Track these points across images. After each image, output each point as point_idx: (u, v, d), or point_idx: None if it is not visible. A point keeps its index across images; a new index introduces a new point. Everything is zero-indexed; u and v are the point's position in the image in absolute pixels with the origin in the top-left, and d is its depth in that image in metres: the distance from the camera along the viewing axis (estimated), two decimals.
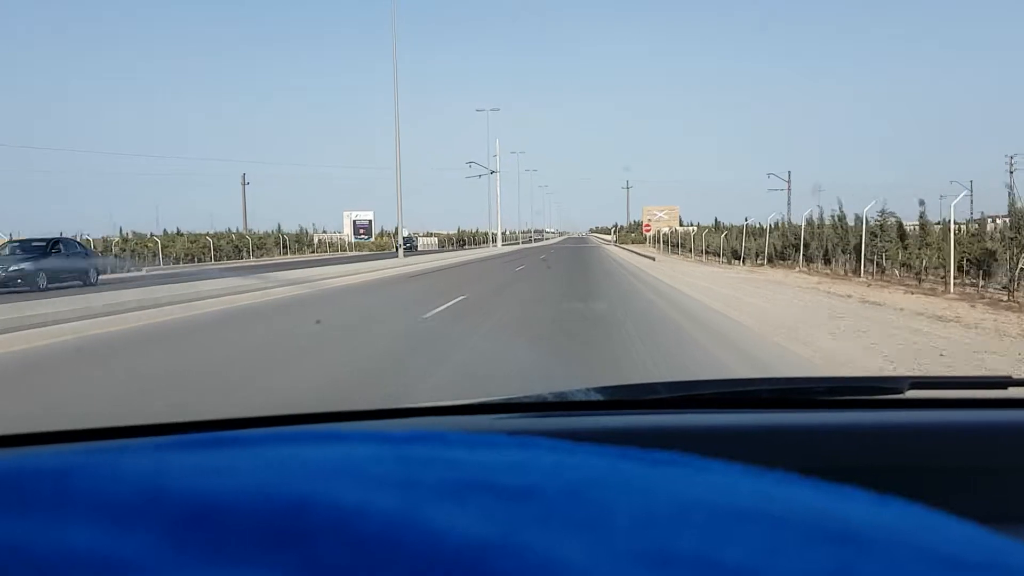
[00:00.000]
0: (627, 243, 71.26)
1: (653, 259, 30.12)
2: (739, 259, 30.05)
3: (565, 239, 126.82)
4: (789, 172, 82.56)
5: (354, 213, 75.25)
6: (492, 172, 57.69)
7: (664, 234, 55.40)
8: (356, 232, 74.74)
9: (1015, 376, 1.37)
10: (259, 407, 4.53)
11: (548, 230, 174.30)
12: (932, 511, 0.35)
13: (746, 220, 32.43)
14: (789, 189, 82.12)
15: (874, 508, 0.34)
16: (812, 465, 0.87)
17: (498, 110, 57.41)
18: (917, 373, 5.73)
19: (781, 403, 1.31)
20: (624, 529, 0.29)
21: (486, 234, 64.87)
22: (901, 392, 1.28)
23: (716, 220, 63.94)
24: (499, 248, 56.27)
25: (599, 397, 1.35)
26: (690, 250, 43.15)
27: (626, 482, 0.35)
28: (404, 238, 57.16)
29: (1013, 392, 1.35)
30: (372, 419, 1.28)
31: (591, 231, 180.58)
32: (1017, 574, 0.30)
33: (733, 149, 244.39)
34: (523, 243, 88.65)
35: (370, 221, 75.11)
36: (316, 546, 0.27)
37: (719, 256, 35.24)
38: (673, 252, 46.32)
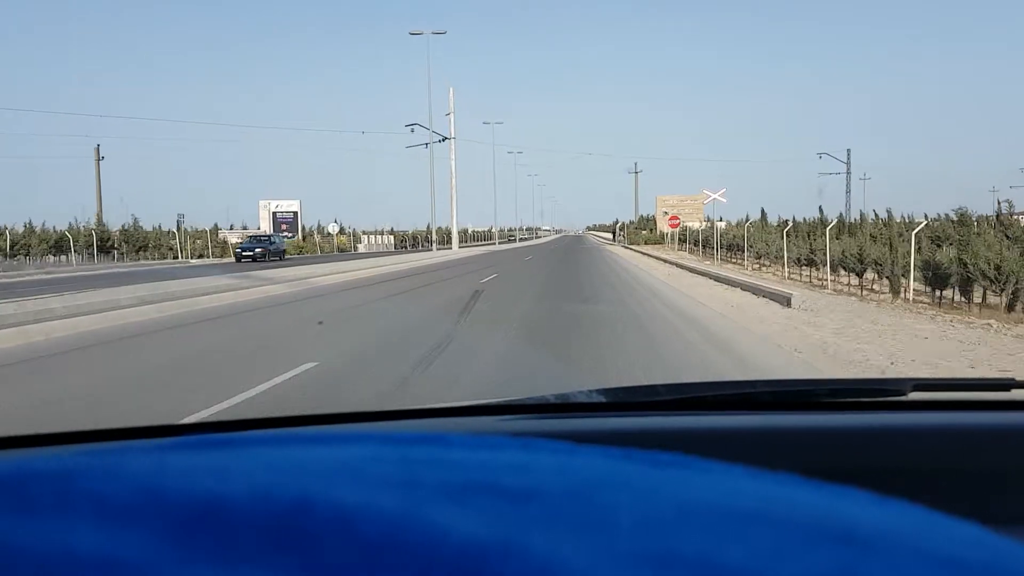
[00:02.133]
0: (637, 243, 52.77)
1: (787, 302, 10.63)
2: (942, 288, 11.84)
3: (561, 237, 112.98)
4: (848, 151, 63.67)
5: (273, 202, 56.71)
6: (444, 139, 39.05)
7: (693, 232, 37.22)
8: (277, 227, 56.16)
9: (1018, 378, 1.37)
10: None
11: (543, 228, 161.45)
12: (934, 513, 0.34)
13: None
14: (848, 172, 62.49)
15: (876, 510, 0.34)
16: (814, 467, 0.86)
17: (444, 33, 37.17)
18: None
19: (783, 405, 1.30)
20: (626, 530, 0.29)
21: (447, 232, 45.34)
22: (904, 394, 1.27)
23: (763, 212, 46.06)
24: (452, 253, 37.50)
25: (601, 399, 1.34)
26: (757, 256, 24.98)
27: (628, 484, 0.35)
28: (254, 238, 34.06)
29: (1016, 394, 1.35)
30: (374, 420, 1.27)
31: (588, 229, 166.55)
32: None
33: (741, 141, 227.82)
34: (500, 243, 70.19)
35: (295, 213, 56.55)
36: (318, 547, 0.27)
37: (824, 269, 17.11)
38: (727, 260, 27.97)
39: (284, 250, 34.90)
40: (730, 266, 24.94)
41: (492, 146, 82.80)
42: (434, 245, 37.80)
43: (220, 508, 0.29)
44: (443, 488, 0.32)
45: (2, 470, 0.32)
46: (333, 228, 54.86)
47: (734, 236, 29.46)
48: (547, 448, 0.40)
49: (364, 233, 64.26)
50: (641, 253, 34.56)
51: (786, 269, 19.95)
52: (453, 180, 40.82)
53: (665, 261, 25.22)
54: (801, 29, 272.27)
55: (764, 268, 23.93)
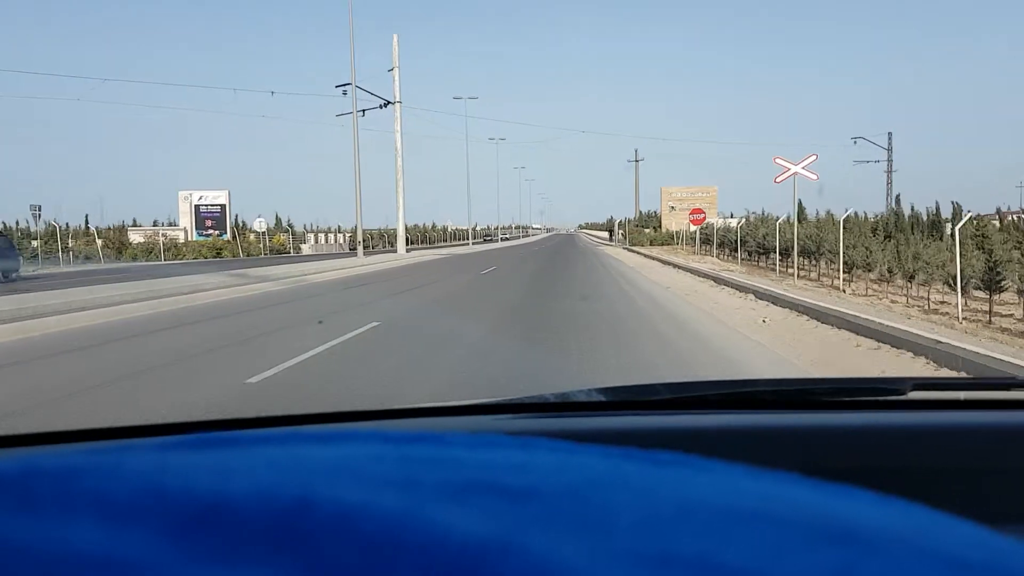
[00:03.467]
0: (640, 243, 42.87)
1: None
2: None
3: (550, 236, 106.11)
4: (890, 134, 54.06)
5: (196, 194, 46.49)
6: (386, 103, 28.99)
7: (718, 230, 27.49)
8: (200, 225, 46.05)
9: (1019, 377, 1.38)
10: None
11: (534, 226, 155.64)
12: (935, 512, 0.34)
13: None
14: (890, 159, 52.63)
15: (877, 509, 0.34)
16: (814, 466, 0.82)
17: None
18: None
19: (783, 404, 1.29)
20: (626, 530, 0.29)
21: (422, 229, 35.07)
22: (904, 393, 1.27)
23: (800, 205, 36.54)
24: (394, 259, 27.38)
25: (601, 398, 1.34)
26: (850, 267, 15.08)
27: (628, 483, 0.35)
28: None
29: (1017, 393, 1.34)
30: (373, 419, 1.27)
31: (580, 227, 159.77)
32: None
33: (745, 137, 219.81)
34: (475, 243, 60.25)
35: (222, 207, 46.41)
36: (318, 546, 0.27)
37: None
38: (807, 277, 18.02)
39: (16, 269, 20.51)
40: (800, 282, 15.10)
41: (464, 117, 72.20)
42: (360, 247, 27.38)
43: (221, 507, 0.29)
44: (443, 487, 0.32)
45: (4, 468, 0.32)
46: (260, 225, 44.58)
47: (790, 236, 19.54)
48: (546, 447, 0.39)
49: (326, 232, 54.11)
50: (659, 260, 24.31)
51: (960, 300, 10.00)
52: (399, 160, 30.88)
53: (716, 280, 15.15)
54: (806, 28, 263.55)
55: (853, 283, 14.28)
